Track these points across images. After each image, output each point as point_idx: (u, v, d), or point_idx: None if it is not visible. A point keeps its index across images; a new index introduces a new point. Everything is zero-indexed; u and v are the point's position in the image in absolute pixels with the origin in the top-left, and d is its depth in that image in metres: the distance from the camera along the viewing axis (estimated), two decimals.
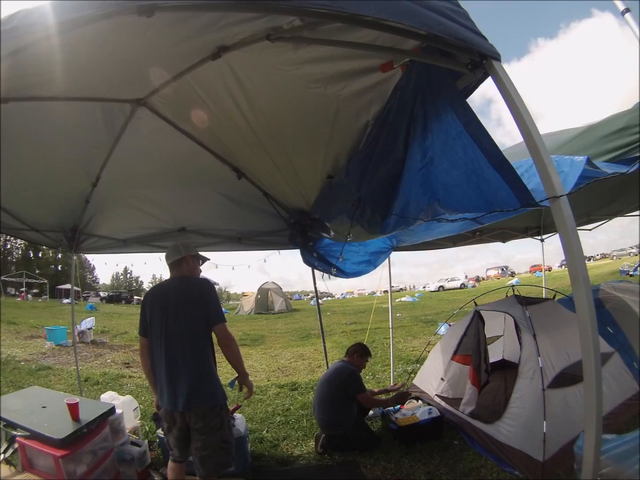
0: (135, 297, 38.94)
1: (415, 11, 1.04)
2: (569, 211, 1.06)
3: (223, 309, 2.41)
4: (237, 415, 2.79)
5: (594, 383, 1.01)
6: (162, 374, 1.98)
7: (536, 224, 5.72)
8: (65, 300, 26.05)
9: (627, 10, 2.74)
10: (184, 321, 1.99)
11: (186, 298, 2.03)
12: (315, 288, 4.12)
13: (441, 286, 35.03)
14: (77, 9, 0.89)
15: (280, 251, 4.04)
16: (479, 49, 1.11)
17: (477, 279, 37.89)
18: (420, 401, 3.45)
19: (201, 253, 2.37)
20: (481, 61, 1.13)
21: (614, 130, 1.93)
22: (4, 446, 2.09)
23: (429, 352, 4.41)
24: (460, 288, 32.63)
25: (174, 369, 1.96)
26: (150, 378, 2.12)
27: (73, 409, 2.05)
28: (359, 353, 3.28)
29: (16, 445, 2.00)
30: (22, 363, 6.75)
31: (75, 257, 3.96)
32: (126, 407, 2.89)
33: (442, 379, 3.70)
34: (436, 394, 3.65)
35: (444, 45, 1.14)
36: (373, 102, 1.90)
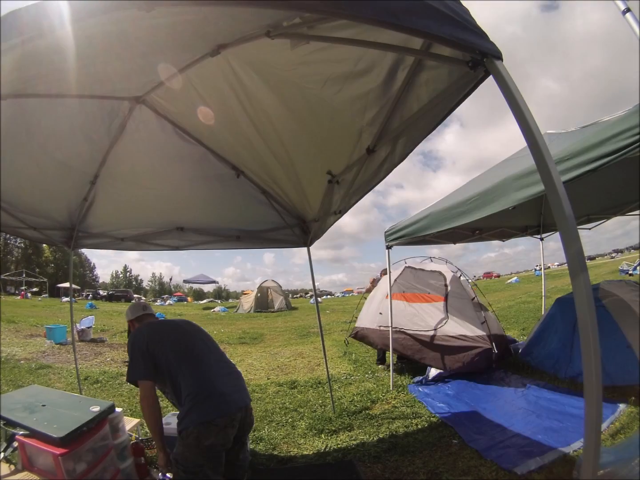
0: (135, 295, 38.85)
1: (413, 11, 1.01)
2: (569, 209, 1.04)
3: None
4: None
5: (594, 383, 0.99)
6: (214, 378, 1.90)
7: (536, 222, 5.72)
8: (65, 299, 26.06)
9: (628, 10, 2.73)
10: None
11: None
12: (314, 286, 4.13)
13: None
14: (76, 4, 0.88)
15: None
16: (479, 47, 1.10)
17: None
18: None
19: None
20: (482, 59, 1.12)
21: (616, 132, 1.90)
22: (4, 445, 2.09)
23: None
24: None
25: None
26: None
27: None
28: None
29: (16, 444, 1.99)
30: (22, 362, 6.74)
31: (74, 256, 3.95)
32: None
33: (380, 313, 5.07)
34: (379, 326, 5.04)
35: (444, 44, 1.13)
36: (367, 108, 1.89)
